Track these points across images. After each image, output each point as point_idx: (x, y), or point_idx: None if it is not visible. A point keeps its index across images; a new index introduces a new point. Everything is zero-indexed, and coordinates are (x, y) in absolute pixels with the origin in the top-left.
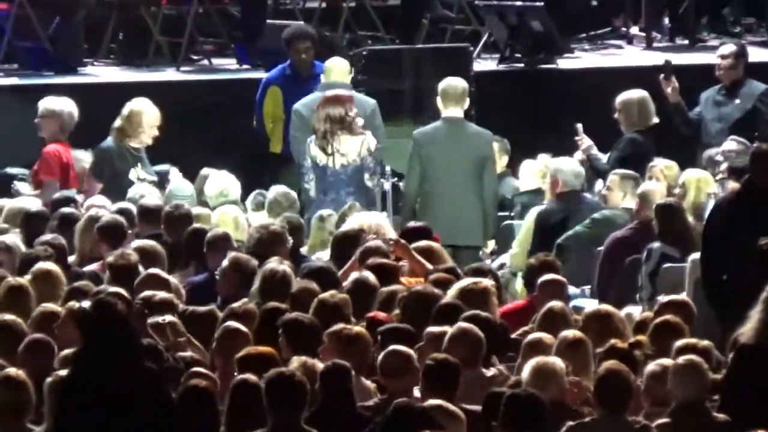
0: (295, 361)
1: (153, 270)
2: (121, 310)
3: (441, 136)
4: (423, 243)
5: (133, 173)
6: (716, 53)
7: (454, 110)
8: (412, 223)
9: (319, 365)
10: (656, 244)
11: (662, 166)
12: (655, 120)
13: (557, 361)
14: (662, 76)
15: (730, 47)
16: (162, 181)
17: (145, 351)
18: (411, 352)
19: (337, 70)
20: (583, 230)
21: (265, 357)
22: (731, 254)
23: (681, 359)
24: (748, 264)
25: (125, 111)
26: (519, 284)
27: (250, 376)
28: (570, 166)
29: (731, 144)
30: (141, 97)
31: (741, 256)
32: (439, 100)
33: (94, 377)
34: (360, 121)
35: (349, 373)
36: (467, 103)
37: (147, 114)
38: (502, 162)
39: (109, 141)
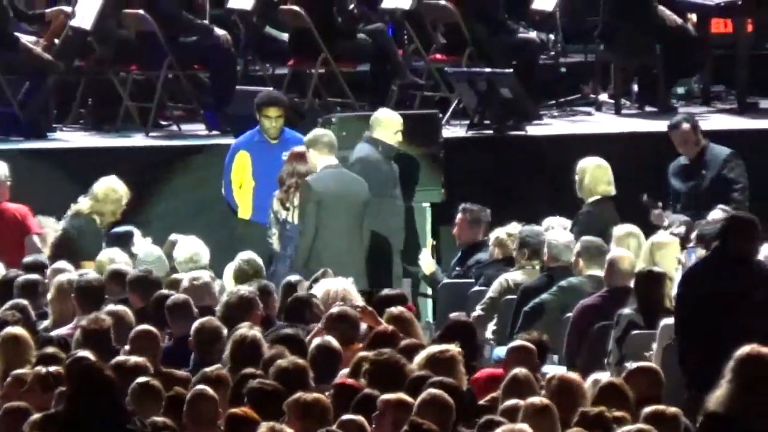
0: (263, 427)
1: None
2: (110, 375)
3: (330, 183)
4: (397, 310)
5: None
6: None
7: (330, 158)
8: (387, 291)
9: (288, 430)
10: (626, 310)
11: (624, 232)
12: (612, 191)
13: (524, 428)
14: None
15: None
16: (126, 243)
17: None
18: (363, 420)
19: (380, 124)
20: (549, 298)
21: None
22: (704, 324)
23: (633, 427)
24: (720, 334)
25: (96, 191)
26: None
27: None
28: (563, 239)
29: (717, 213)
30: (110, 176)
31: (714, 326)
32: (312, 152)
33: None
34: None
35: None
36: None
37: (119, 194)
38: (477, 231)
39: (77, 221)
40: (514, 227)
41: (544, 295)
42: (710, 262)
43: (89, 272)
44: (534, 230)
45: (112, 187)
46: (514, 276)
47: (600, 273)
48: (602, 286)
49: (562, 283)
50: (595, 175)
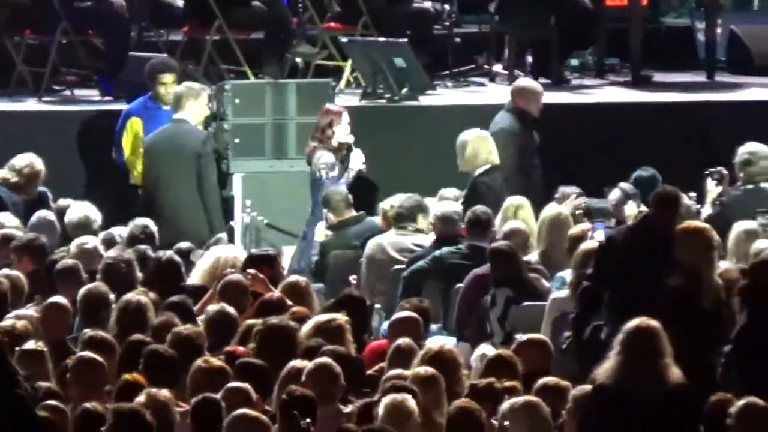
0: (143, 395)
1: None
2: None
3: (163, 136)
4: (291, 279)
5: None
6: None
7: (182, 113)
8: (256, 251)
9: (165, 393)
10: (499, 288)
11: (509, 203)
12: (495, 161)
13: (407, 398)
14: None
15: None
16: (45, 203)
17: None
18: (249, 388)
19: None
20: (424, 266)
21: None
22: (619, 296)
23: (519, 399)
24: (636, 307)
25: (21, 165)
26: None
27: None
28: (449, 209)
29: (616, 192)
30: (31, 153)
31: (629, 299)
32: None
33: None
34: (351, 138)
35: (220, 407)
36: (192, 106)
37: (42, 172)
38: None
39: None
40: (398, 198)
41: (420, 263)
42: (631, 234)
43: None
44: (407, 198)
45: (31, 164)
46: (387, 236)
47: (480, 243)
48: (475, 255)
49: (436, 253)
50: (476, 146)
